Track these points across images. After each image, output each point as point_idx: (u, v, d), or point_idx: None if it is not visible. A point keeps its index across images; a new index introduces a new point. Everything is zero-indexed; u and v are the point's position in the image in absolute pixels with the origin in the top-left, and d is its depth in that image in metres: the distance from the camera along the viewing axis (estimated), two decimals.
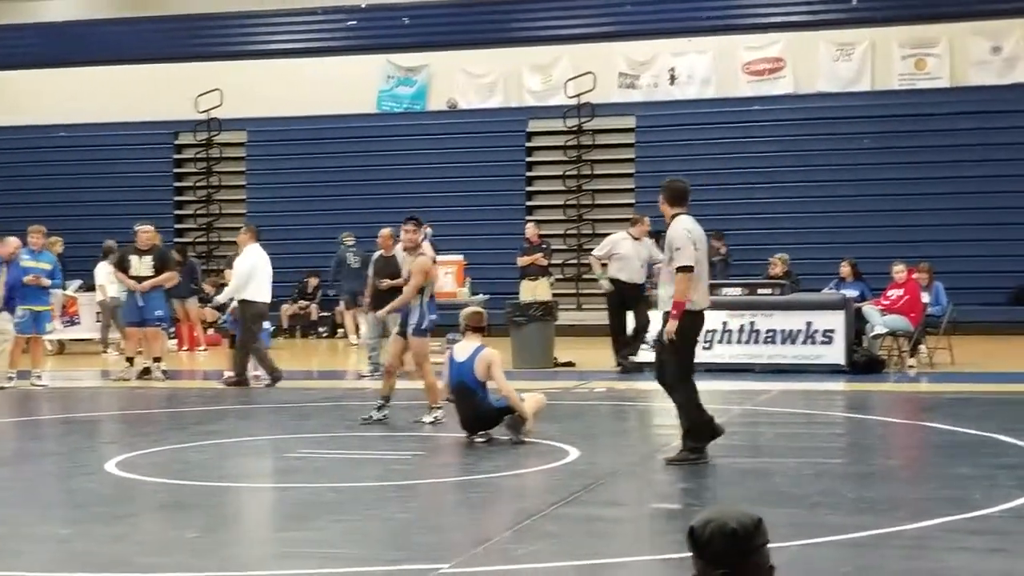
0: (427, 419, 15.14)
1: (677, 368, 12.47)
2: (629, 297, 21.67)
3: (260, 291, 20.41)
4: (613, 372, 21.36)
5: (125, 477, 12.12)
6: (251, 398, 19.09)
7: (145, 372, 21.51)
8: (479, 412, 13.83)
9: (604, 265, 22.09)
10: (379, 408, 15.25)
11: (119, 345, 26.25)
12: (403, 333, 15.28)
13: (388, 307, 15.35)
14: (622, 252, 21.75)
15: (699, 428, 12.42)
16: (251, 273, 20.23)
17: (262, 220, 31.41)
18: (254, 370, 21.03)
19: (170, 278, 21.62)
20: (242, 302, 20.22)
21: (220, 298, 20.26)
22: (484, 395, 13.87)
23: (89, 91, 35.97)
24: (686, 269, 12.23)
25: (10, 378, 20.54)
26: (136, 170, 35.39)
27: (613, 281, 21.73)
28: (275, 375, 20.39)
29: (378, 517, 10.26)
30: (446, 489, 11.82)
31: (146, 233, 21.62)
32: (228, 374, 20.61)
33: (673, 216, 12.62)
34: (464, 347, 14.01)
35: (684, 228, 12.39)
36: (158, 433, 15.66)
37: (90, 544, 9.35)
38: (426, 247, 20.17)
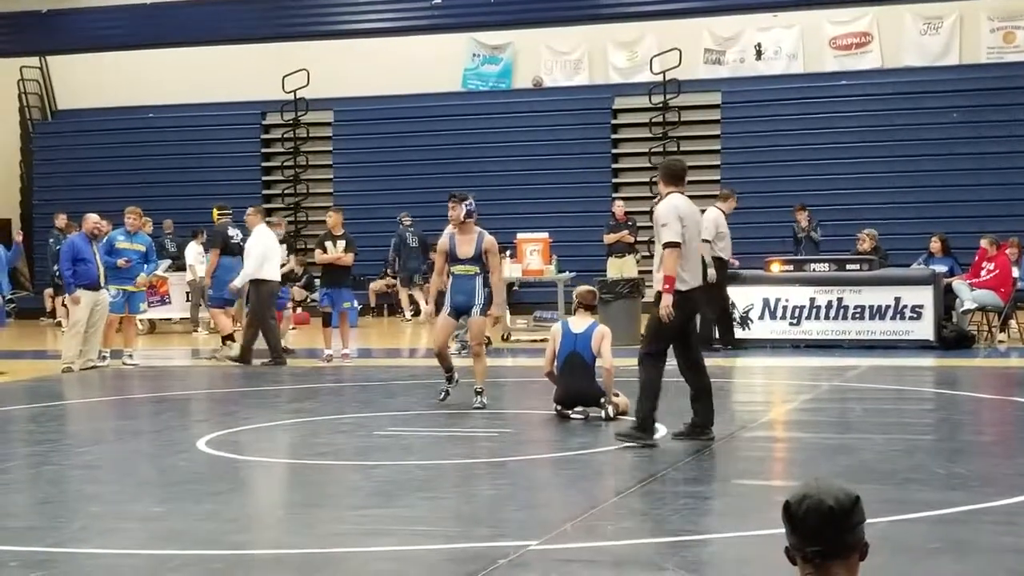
0: (484, 400, 14.86)
1: (648, 342, 12.29)
2: (726, 275, 21.38)
3: (273, 270, 20.80)
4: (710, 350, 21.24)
5: (216, 455, 12.24)
6: (340, 376, 19.22)
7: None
8: (585, 386, 13.78)
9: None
10: (449, 380, 15.13)
11: (209, 324, 26.53)
12: (458, 314, 15.05)
13: (498, 295, 15.29)
14: (725, 230, 21.43)
15: (651, 409, 12.14)
16: (265, 254, 20.53)
17: (349, 199, 31.64)
18: (343, 348, 21.16)
19: (212, 258, 22.12)
20: (255, 282, 20.57)
21: (237, 283, 20.49)
22: (594, 369, 13.86)
23: (177, 72, 36.25)
24: (672, 245, 12.05)
25: (104, 357, 20.79)
26: (224, 150, 35.65)
27: (716, 259, 21.37)
28: (278, 359, 20.62)
29: (466, 494, 10.31)
30: (534, 466, 11.83)
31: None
32: (328, 352, 20.83)
33: (666, 195, 12.42)
34: (580, 321, 14.03)
35: (672, 204, 12.19)
36: (248, 411, 15.80)
37: (183, 522, 9.44)
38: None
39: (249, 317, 20.91)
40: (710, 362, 19.76)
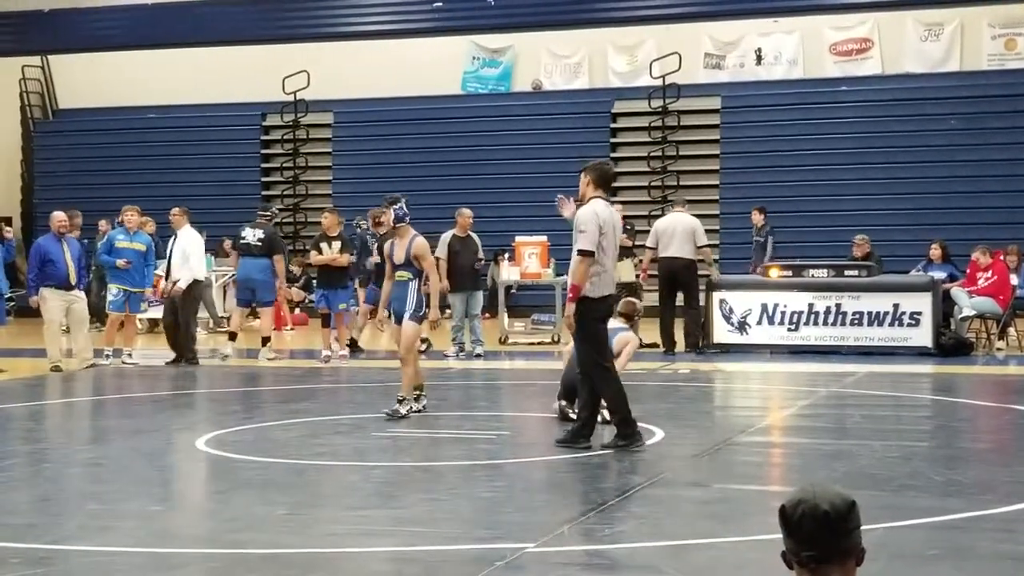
0: (402, 409, 14.17)
1: (586, 356, 12.23)
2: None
3: (201, 271, 21.25)
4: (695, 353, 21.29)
5: (215, 455, 12.26)
6: (337, 377, 19.24)
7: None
8: None
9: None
10: (417, 399, 14.55)
11: (208, 324, 26.54)
12: (396, 320, 14.44)
13: (433, 297, 14.74)
14: None
15: (625, 415, 12.06)
16: (200, 254, 20.98)
17: (348, 201, 31.63)
18: (340, 349, 21.20)
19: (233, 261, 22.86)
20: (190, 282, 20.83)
21: (181, 284, 20.55)
22: None
23: (178, 72, 36.26)
24: (585, 253, 11.97)
25: (107, 356, 20.80)
26: (224, 151, 35.68)
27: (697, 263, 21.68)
28: (184, 359, 20.82)
29: (464, 496, 10.32)
30: (531, 468, 11.84)
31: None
32: (326, 353, 20.87)
33: (591, 198, 12.22)
34: (612, 323, 14.03)
35: (593, 211, 12.06)
36: (246, 411, 15.81)
37: (181, 521, 9.47)
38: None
39: (185, 319, 21.07)
40: (707, 366, 19.88)
